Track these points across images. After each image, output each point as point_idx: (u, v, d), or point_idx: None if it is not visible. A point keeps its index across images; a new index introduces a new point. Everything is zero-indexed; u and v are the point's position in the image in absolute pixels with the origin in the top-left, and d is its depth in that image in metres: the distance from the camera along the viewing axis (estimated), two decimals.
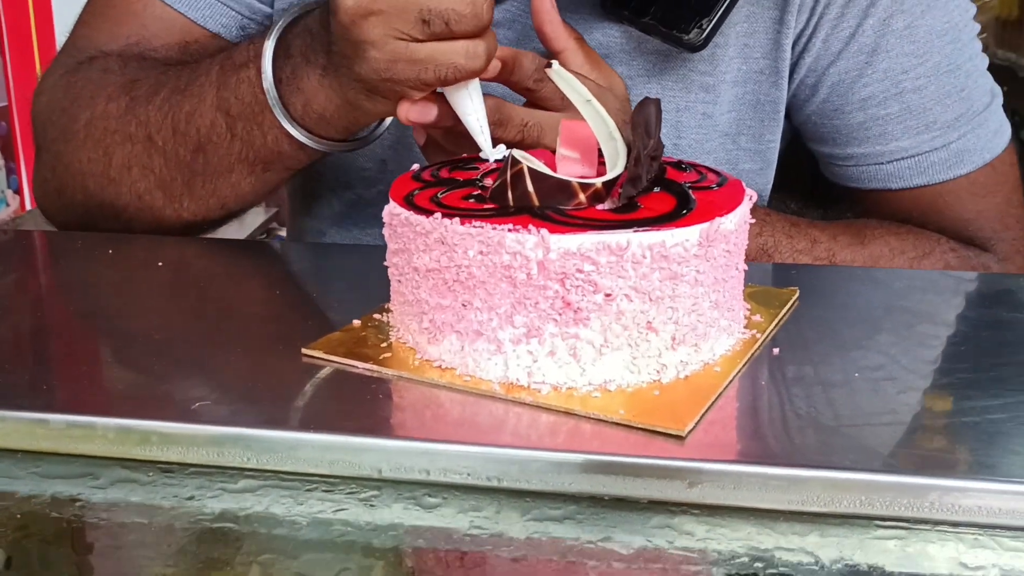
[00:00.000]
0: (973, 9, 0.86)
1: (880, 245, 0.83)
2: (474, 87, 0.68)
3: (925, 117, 0.83)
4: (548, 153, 0.62)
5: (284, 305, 0.69)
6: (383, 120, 0.78)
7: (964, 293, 0.71)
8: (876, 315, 0.65)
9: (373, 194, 0.89)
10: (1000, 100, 0.88)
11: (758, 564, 0.44)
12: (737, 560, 0.45)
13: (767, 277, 0.72)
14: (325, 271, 0.76)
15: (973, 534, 0.46)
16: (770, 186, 0.90)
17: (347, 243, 0.92)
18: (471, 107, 0.67)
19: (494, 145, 0.67)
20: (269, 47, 0.73)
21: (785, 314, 0.64)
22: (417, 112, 0.68)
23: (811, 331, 0.61)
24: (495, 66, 0.68)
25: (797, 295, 0.66)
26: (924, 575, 0.44)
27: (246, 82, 0.74)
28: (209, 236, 0.82)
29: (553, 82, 0.64)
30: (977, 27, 0.86)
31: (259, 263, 0.78)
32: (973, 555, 0.45)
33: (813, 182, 0.96)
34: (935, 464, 0.48)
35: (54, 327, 0.66)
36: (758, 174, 0.88)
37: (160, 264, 0.74)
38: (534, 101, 0.72)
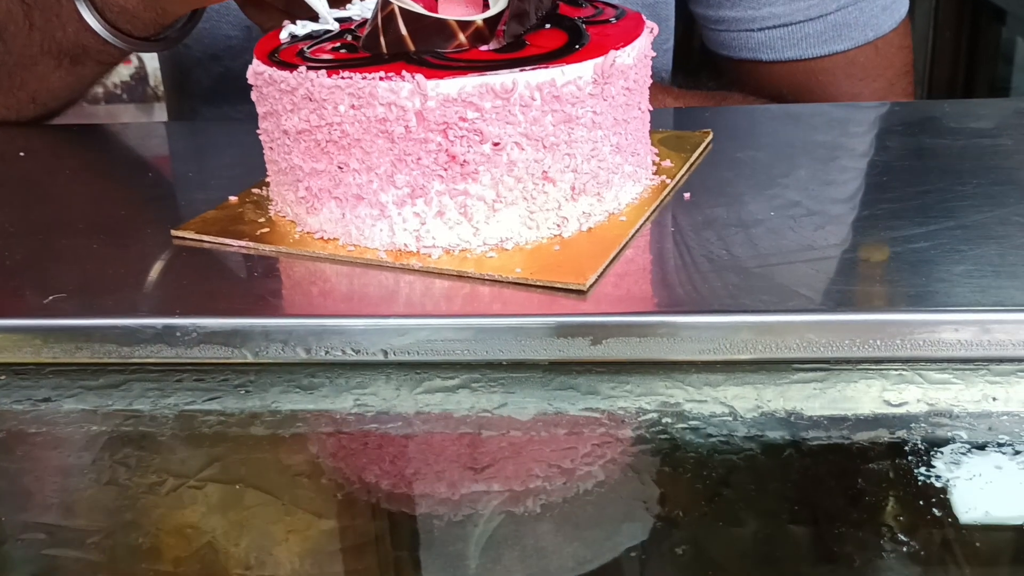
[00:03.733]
0: None
1: None
2: None
3: None
4: None
5: (156, 188, 0.63)
6: (195, 13, 0.70)
7: (886, 123, 0.66)
8: (793, 152, 0.61)
9: (240, 65, 0.81)
10: None
11: (667, 419, 0.41)
12: (644, 417, 0.41)
13: (678, 121, 0.67)
14: (202, 150, 0.70)
15: (897, 370, 0.43)
16: (668, 46, 0.84)
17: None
18: None
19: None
20: None
21: (698, 158, 0.59)
22: None
23: (725, 173, 0.57)
24: None
25: (711, 138, 0.62)
26: (847, 416, 0.41)
27: None
28: (76, 122, 0.75)
29: None
30: None
31: (130, 147, 0.72)
32: (897, 392, 0.42)
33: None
34: (857, 299, 0.45)
35: None
36: None
37: (22, 154, 0.67)
38: None
